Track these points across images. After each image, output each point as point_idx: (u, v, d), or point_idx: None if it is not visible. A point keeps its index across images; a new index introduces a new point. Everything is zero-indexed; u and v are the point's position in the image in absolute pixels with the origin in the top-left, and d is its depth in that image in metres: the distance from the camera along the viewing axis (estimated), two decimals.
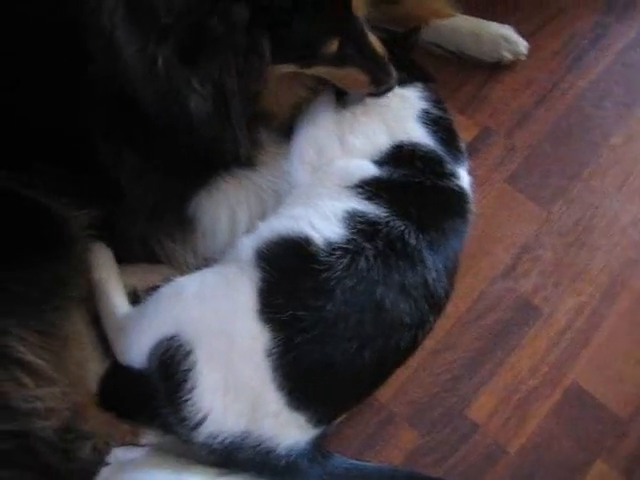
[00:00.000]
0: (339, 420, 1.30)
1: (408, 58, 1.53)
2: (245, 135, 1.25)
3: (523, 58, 1.76)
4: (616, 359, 1.45)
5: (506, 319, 1.50)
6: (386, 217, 1.29)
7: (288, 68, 1.29)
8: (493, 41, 1.75)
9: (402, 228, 1.28)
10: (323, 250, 1.24)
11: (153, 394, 1.22)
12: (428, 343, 1.44)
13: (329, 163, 1.39)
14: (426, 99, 1.46)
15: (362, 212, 1.29)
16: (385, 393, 1.42)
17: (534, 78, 1.76)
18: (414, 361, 1.43)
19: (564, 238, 1.57)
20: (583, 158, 1.66)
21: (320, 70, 1.33)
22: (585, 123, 1.70)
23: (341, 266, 1.23)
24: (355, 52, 1.30)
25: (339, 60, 1.30)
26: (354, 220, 1.28)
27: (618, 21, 1.83)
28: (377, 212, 1.29)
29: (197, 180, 1.43)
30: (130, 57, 1.18)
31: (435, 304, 1.31)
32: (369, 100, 1.44)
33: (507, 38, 1.75)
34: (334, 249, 1.24)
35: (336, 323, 1.20)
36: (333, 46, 1.25)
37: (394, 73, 1.37)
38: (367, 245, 1.25)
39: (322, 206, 1.32)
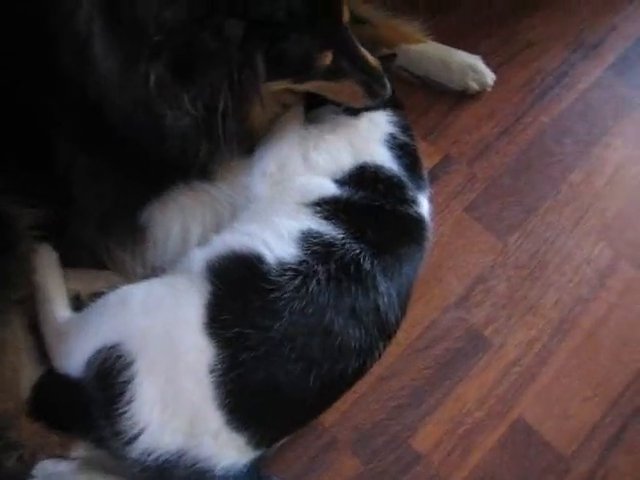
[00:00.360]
0: (280, 443, 1.27)
1: None
2: (232, 153, 1.22)
3: (489, 89, 1.75)
4: (563, 396, 1.42)
5: (456, 349, 1.47)
6: (342, 239, 1.25)
7: (281, 84, 1.26)
8: (461, 70, 1.74)
9: (357, 251, 1.24)
10: (274, 269, 1.21)
11: (88, 405, 1.16)
12: (376, 369, 1.40)
13: (290, 178, 1.36)
14: (394, 124, 1.44)
15: (318, 232, 1.26)
16: (329, 417, 1.38)
17: (498, 109, 1.75)
18: (361, 386, 1.40)
19: (519, 271, 1.55)
20: (541, 192, 1.65)
21: (314, 85, 1.30)
22: (545, 158, 1.69)
23: (291, 287, 1.19)
24: (349, 64, 1.28)
25: (333, 74, 1.28)
26: (309, 240, 1.25)
27: (584, 60, 1.83)
28: (333, 233, 1.26)
29: (152, 189, 1.38)
30: (107, 69, 1.15)
31: (385, 331, 1.28)
32: (337, 119, 1.42)
33: (475, 68, 1.74)
34: (285, 269, 1.21)
35: (282, 344, 1.16)
36: (327, 59, 1.23)
37: (388, 85, 1.35)
38: (320, 268, 1.22)
39: (278, 224, 1.29)
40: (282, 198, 1.34)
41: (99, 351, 1.16)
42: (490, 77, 1.74)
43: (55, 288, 1.36)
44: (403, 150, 1.41)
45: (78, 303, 1.37)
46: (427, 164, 1.53)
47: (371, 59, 1.33)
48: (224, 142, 1.18)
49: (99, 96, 1.18)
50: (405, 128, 1.46)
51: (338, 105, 1.41)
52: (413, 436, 1.38)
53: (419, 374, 1.44)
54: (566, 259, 1.57)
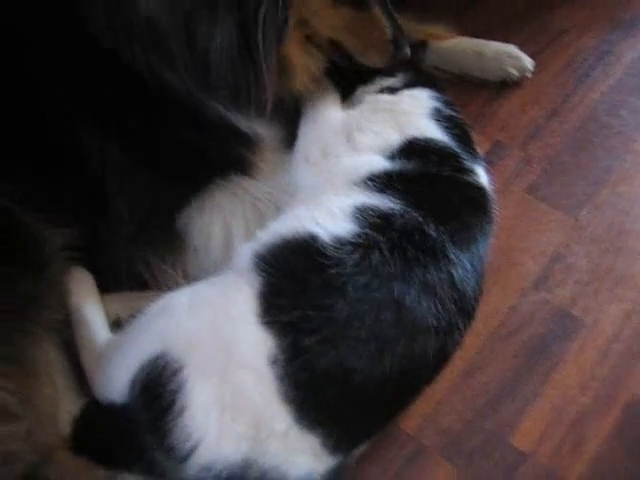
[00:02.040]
0: (359, 453, 1.04)
1: (416, 69, 1.38)
2: (273, 85, 1.07)
3: (529, 75, 1.58)
4: None
5: (544, 333, 1.23)
6: (400, 209, 1.06)
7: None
8: (497, 58, 1.58)
9: (420, 219, 1.05)
10: (331, 245, 1.01)
11: (136, 430, 0.95)
12: (457, 364, 1.18)
13: (335, 161, 1.19)
14: (437, 99, 1.28)
15: (373, 205, 1.07)
16: (411, 422, 1.15)
17: (542, 94, 1.58)
18: (442, 385, 1.17)
19: (597, 244, 1.33)
20: (606, 165, 1.45)
21: (344, 15, 1.16)
22: (603, 131, 1.50)
23: (352, 261, 1.00)
24: (377, 1, 1.16)
25: (363, 3, 1.15)
26: (364, 214, 1.06)
27: (625, 38, 1.66)
28: (390, 204, 1.07)
29: (189, 186, 1.21)
30: None
31: (464, 308, 1.06)
32: (376, 99, 1.26)
33: (511, 54, 1.58)
34: (343, 244, 1.02)
35: (349, 323, 0.96)
36: None
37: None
38: (381, 238, 1.02)
39: (327, 203, 1.11)
40: (329, 181, 1.16)
41: (143, 366, 0.97)
42: (529, 61, 1.58)
43: (92, 311, 1.18)
44: (451, 122, 1.24)
45: (119, 328, 1.18)
46: None
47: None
48: (266, 69, 1.04)
49: (135, 43, 1.05)
50: (448, 103, 1.29)
51: (349, 78, 1.28)
52: (512, 433, 1.13)
53: (507, 364, 1.20)
54: None
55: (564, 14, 1.74)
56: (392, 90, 1.29)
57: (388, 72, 1.30)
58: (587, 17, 1.73)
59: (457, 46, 1.60)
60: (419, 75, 1.36)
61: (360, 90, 1.30)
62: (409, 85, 1.31)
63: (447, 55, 1.61)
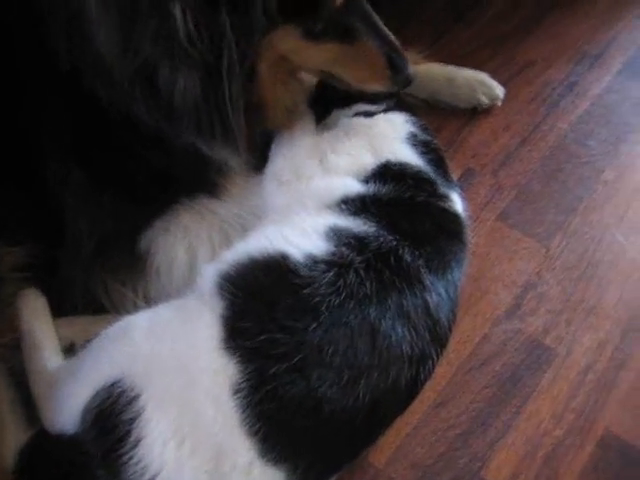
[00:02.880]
0: None
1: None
2: (241, 124, 1.00)
3: (499, 103, 1.56)
4: None
5: (516, 362, 1.18)
6: (375, 232, 1.01)
7: (291, 38, 1.03)
8: (468, 86, 1.55)
9: (394, 243, 1.00)
10: (303, 264, 0.95)
11: (86, 464, 0.87)
12: (428, 395, 1.12)
13: (308, 183, 1.13)
14: (413, 123, 1.23)
15: (346, 227, 1.02)
16: (381, 455, 1.08)
17: (513, 121, 1.55)
18: (413, 416, 1.11)
19: (569, 273, 1.30)
20: (576, 193, 1.42)
21: (329, 51, 1.07)
22: (572, 160, 1.47)
23: (326, 281, 0.93)
24: (364, 27, 1.06)
25: (348, 35, 1.05)
26: (338, 234, 1.00)
27: (591, 69, 1.66)
28: (364, 227, 1.02)
29: (153, 208, 1.13)
30: (104, 36, 0.93)
31: (438, 336, 1.00)
32: (351, 122, 1.20)
33: (483, 82, 1.55)
34: (316, 262, 0.95)
35: (322, 348, 0.89)
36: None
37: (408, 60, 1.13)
38: (356, 257, 0.96)
39: (299, 222, 1.05)
40: (301, 202, 1.10)
41: (97, 393, 0.89)
42: (500, 89, 1.56)
43: (44, 335, 1.09)
44: (427, 147, 1.19)
45: (73, 354, 1.09)
46: None
47: (387, 30, 1.11)
48: (233, 112, 0.97)
49: (96, 77, 0.97)
50: (424, 128, 1.25)
51: (350, 102, 1.20)
52: (485, 466, 1.08)
53: (479, 395, 1.15)
54: (618, 255, 1.32)
55: (533, 46, 1.73)
56: (368, 114, 1.25)
57: (371, 100, 1.24)
58: (555, 49, 1.72)
59: (429, 72, 1.56)
60: (396, 101, 1.33)
61: (335, 113, 1.25)
62: (386, 110, 1.27)
63: (419, 81, 1.56)
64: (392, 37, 1.12)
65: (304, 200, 1.10)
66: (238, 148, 1.07)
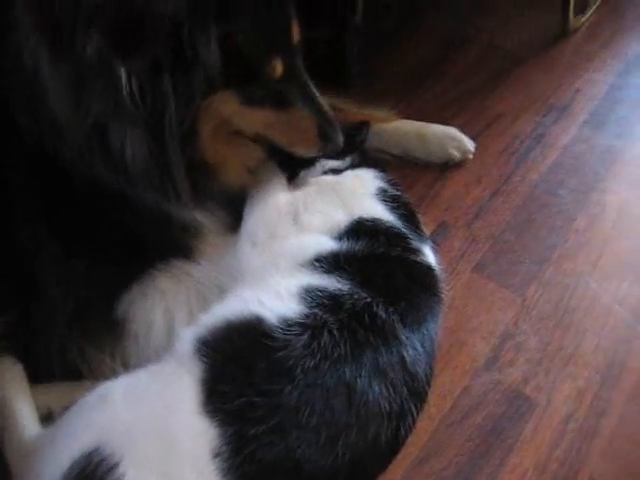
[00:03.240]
0: None
1: (360, 150, 1.37)
2: (184, 180, 1.03)
3: (471, 156, 1.60)
4: (633, 446, 1.13)
5: (498, 414, 1.18)
6: (349, 289, 1.02)
7: (230, 102, 1.07)
8: (439, 141, 1.59)
9: (368, 300, 1.01)
10: (278, 327, 0.96)
11: None
12: (410, 450, 1.12)
13: (282, 243, 1.15)
14: (382, 179, 1.26)
15: (320, 286, 1.03)
16: None
17: (484, 174, 1.58)
18: (396, 473, 1.10)
19: (546, 322, 1.30)
20: (549, 243, 1.44)
21: (264, 116, 1.11)
22: (544, 211, 1.50)
23: (300, 343, 0.94)
24: (299, 96, 1.11)
25: (283, 103, 1.10)
26: (311, 295, 1.02)
27: (557, 121, 1.71)
28: (338, 285, 1.03)
29: (128, 273, 1.14)
30: (56, 96, 0.97)
31: (416, 390, 1.01)
32: (321, 180, 1.24)
33: (453, 137, 1.59)
34: (290, 325, 0.96)
35: (299, 409, 0.89)
36: (276, 69, 1.05)
37: (340, 129, 1.17)
38: (330, 317, 0.98)
39: (273, 284, 1.06)
40: (275, 263, 1.12)
41: (76, 462, 0.88)
42: (470, 143, 1.60)
43: (21, 403, 1.08)
44: (397, 202, 1.22)
45: (51, 422, 1.08)
46: None
47: (322, 100, 1.16)
48: (176, 170, 1.01)
49: (54, 138, 0.99)
50: (393, 183, 1.28)
51: (292, 161, 1.24)
52: None
53: (462, 448, 1.14)
54: (593, 302, 1.33)
55: (500, 99, 1.79)
56: (336, 171, 1.28)
57: (330, 155, 1.28)
58: (522, 102, 1.78)
59: (399, 129, 1.60)
60: (363, 156, 1.36)
61: (303, 173, 1.28)
62: (353, 166, 1.30)
63: (390, 137, 1.60)
64: (325, 107, 1.17)
65: (278, 260, 1.12)
66: (191, 206, 1.11)
